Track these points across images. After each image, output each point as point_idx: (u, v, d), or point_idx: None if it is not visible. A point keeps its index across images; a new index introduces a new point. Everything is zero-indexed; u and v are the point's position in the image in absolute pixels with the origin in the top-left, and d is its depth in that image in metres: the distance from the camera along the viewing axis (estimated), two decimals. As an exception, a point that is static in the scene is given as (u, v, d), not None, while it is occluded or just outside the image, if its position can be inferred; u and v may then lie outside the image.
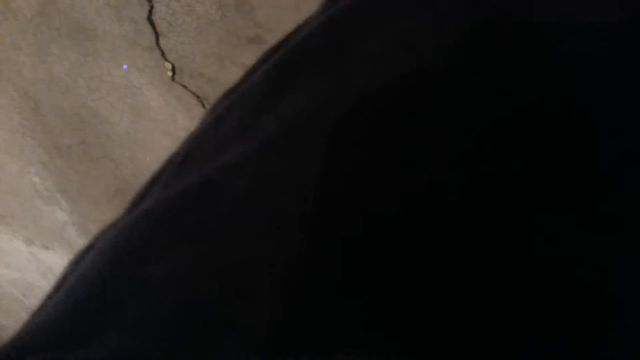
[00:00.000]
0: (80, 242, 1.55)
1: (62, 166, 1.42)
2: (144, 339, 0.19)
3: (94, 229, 1.50)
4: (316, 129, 0.23)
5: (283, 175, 0.22)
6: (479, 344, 0.17)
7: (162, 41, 1.08)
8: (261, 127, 0.25)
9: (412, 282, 0.18)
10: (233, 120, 0.27)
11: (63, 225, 1.55)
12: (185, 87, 1.11)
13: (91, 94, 1.23)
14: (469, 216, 0.19)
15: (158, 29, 1.07)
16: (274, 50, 0.29)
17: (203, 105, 1.13)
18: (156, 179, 0.28)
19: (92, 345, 0.20)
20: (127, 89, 1.18)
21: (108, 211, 1.44)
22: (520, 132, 0.20)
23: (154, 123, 1.21)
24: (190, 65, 1.08)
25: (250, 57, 1.01)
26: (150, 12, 1.06)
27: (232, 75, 1.04)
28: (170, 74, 1.10)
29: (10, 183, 1.54)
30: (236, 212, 0.22)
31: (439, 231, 0.19)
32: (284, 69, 0.27)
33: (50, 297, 0.24)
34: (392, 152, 0.21)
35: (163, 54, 1.09)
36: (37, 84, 1.29)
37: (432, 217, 0.19)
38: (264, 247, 0.20)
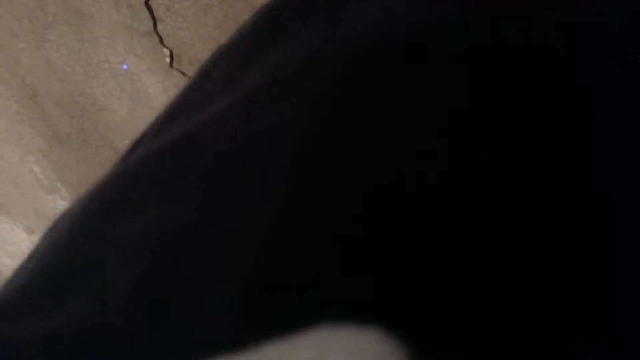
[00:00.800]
0: (81, 230, 1.55)
1: (62, 154, 1.41)
2: (108, 303, 0.18)
3: (94, 218, 1.50)
4: (309, 77, 0.21)
5: (272, 125, 0.20)
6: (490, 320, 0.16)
7: (160, 27, 1.07)
8: (248, 78, 0.23)
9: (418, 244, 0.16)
10: (219, 74, 0.25)
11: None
12: (183, 73, 1.10)
13: (89, 81, 1.22)
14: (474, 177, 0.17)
15: (156, 14, 1.06)
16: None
17: (202, 91, 1.12)
18: (139, 142, 0.26)
19: (56, 313, 0.18)
20: (125, 76, 1.17)
21: (109, 199, 1.44)
22: (519, 92, 0.19)
23: (153, 110, 1.20)
24: (188, 51, 1.06)
25: (249, 42, 1.00)
26: (147, -3, 1.05)
27: (231, 60, 1.02)
28: (168, 60, 1.09)
29: (10, 172, 1.54)
30: (218, 165, 0.20)
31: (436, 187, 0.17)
32: (275, 18, 0.25)
33: (22, 266, 0.23)
34: (390, 106, 0.19)
35: (161, 39, 1.08)
36: (35, 71, 1.28)
37: (425, 175, 0.17)
38: (247, 202, 0.18)
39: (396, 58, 0.20)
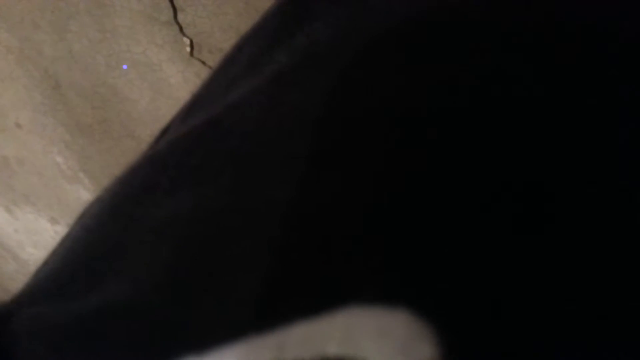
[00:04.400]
0: (104, 220, 1.57)
1: (85, 145, 1.43)
2: (142, 285, 0.18)
3: (117, 208, 1.51)
4: (336, 59, 0.20)
5: (299, 107, 0.20)
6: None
7: (180, 16, 1.07)
8: (274, 61, 0.23)
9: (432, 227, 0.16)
10: (244, 58, 0.25)
11: (86, 204, 1.57)
12: (204, 62, 1.10)
13: (111, 71, 1.23)
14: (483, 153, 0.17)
15: (176, 3, 1.06)
16: None
17: (223, 81, 1.12)
18: (167, 129, 0.26)
19: (90, 294, 0.19)
20: (147, 66, 1.18)
21: (131, 189, 1.45)
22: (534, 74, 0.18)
23: (174, 100, 1.20)
24: (208, 40, 1.06)
25: (270, 30, 0.99)
26: (167, -14, 1.05)
27: (252, 49, 1.02)
28: (188, 49, 1.09)
29: (34, 163, 1.56)
30: (245, 148, 0.20)
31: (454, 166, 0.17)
32: (300, 1, 0.25)
33: (54, 251, 0.24)
34: (415, 89, 0.18)
35: (181, 29, 1.08)
36: (57, 62, 1.29)
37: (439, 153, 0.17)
38: (275, 184, 0.18)
39: (422, 40, 0.20)
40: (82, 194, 1.56)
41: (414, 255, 0.16)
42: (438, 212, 0.16)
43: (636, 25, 0.19)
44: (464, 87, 0.18)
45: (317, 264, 0.16)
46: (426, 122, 0.18)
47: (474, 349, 0.14)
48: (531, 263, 0.15)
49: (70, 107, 1.37)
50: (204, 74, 1.13)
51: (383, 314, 0.15)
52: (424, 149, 0.17)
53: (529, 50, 0.18)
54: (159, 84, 1.20)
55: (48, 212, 1.67)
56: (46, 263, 0.23)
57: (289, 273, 0.16)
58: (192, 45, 1.09)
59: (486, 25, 0.19)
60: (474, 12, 0.20)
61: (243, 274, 0.17)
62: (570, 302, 0.15)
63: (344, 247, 0.16)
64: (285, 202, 0.18)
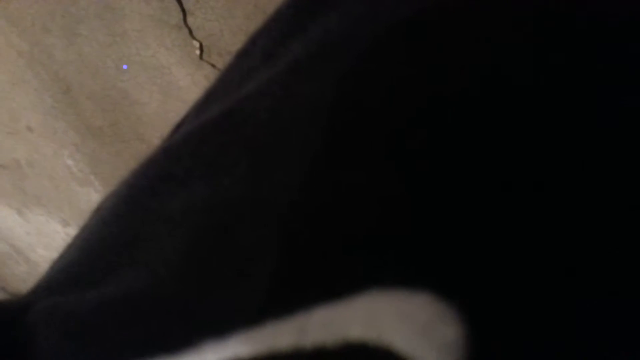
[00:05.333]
0: (114, 222, 1.57)
1: (95, 148, 1.43)
2: (158, 273, 0.18)
3: (127, 210, 1.51)
4: (351, 49, 0.20)
5: (313, 97, 0.20)
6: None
7: (190, 19, 1.07)
8: (288, 52, 0.22)
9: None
10: (258, 51, 0.25)
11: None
12: (213, 65, 1.11)
13: (120, 74, 1.24)
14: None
15: (185, 6, 1.06)
16: None
17: (232, 83, 1.12)
18: (181, 123, 0.26)
19: (106, 284, 0.19)
20: (156, 69, 1.18)
21: (141, 192, 1.45)
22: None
23: (183, 103, 1.20)
24: (218, 43, 1.07)
25: (278, 32, 0.99)
26: (176, -10, 1.05)
27: (260, 52, 1.02)
28: (198, 52, 1.10)
29: (45, 166, 1.56)
30: (260, 138, 0.20)
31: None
32: None
33: (70, 244, 0.24)
34: (433, 79, 0.18)
35: (191, 32, 1.08)
36: (67, 65, 1.30)
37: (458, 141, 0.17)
38: (290, 173, 0.18)
39: (440, 30, 0.19)
40: (93, 197, 1.56)
41: (434, 238, 0.16)
42: (456, 197, 0.16)
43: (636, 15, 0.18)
44: (477, 77, 0.18)
45: (336, 250, 0.16)
46: (438, 111, 0.17)
47: (496, 329, 0.14)
48: (551, 243, 0.15)
49: (80, 110, 1.37)
50: (214, 76, 1.12)
51: (404, 298, 0.15)
52: (439, 136, 0.17)
53: (535, 40, 0.18)
54: (169, 87, 1.20)
55: (59, 215, 1.68)
56: (62, 256, 0.23)
57: (308, 259, 0.16)
58: (201, 48, 1.09)
59: (497, 15, 0.19)
60: (486, 2, 0.20)
61: (260, 260, 0.17)
62: (591, 283, 0.15)
63: (364, 233, 0.16)
64: (302, 189, 0.18)
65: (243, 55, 0.26)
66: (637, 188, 0.15)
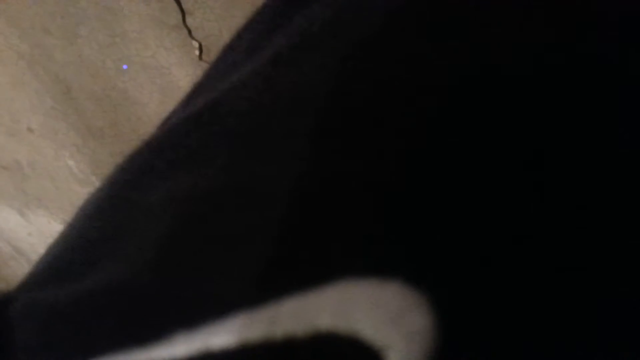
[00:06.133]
0: (116, 223, 1.57)
1: (96, 148, 1.43)
2: (135, 266, 0.18)
3: (128, 210, 1.51)
4: (333, 38, 0.20)
5: (295, 86, 0.20)
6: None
7: (189, 19, 1.07)
8: (272, 44, 0.23)
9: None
10: (243, 44, 0.25)
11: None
12: (213, 65, 1.10)
13: (120, 75, 1.24)
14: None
15: (184, 7, 1.06)
16: None
17: (232, 83, 1.12)
18: (169, 118, 0.27)
19: (87, 278, 0.19)
20: (156, 70, 1.18)
21: (142, 192, 1.45)
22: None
23: (184, 103, 1.20)
24: (217, 44, 1.07)
25: (277, 32, 0.99)
26: (175, -10, 1.05)
27: (260, 51, 1.02)
28: (197, 52, 1.09)
29: (46, 167, 1.56)
30: (242, 127, 0.20)
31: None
32: None
33: (54, 240, 0.24)
34: (415, 68, 0.18)
35: (190, 32, 1.08)
36: (68, 67, 1.29)
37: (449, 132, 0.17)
38: (271, 164, 0.18)
39: (423, 20, 0.20)
40: (93, 197, 1.56)
41: (406, 228, 0.16)
42: (429, 189, 0.16)
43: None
44: (459, 67, 0.18)
45: (309, 239, 0.16)
46: (414, 100, 0.18)
47: (466, 320, 0.14)
48: (520, 236, 0.15)
49: (81, 111, 1.37)
50: (213, 76, 1.12)
51: (375, 286, 0.15)
52: (418, 125, 0.17)
53: (543, 33, 0.18)
54: (169, 87, 1.20)
55: (61, 215, 1.68)
56: (47, 251, 0.23)
57: (282, 249, 0.16)
58: (200, 49, 1.09)
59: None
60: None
61: (236, 251, 0.17)
62: (564, 288, 0.15)
63: (338, 222, 0.16)
64: (280, 179, 0.18)
65: (229, 49, 0.26)
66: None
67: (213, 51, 1.09)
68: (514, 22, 0.18)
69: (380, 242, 0.16)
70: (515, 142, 0.16)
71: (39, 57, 1.32)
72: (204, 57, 1.10)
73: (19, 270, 1.96)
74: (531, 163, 0.16)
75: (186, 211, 0.19)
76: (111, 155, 1.43)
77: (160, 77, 1.19)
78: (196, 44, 1.09)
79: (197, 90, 0.26)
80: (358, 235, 0.16)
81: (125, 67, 1.17)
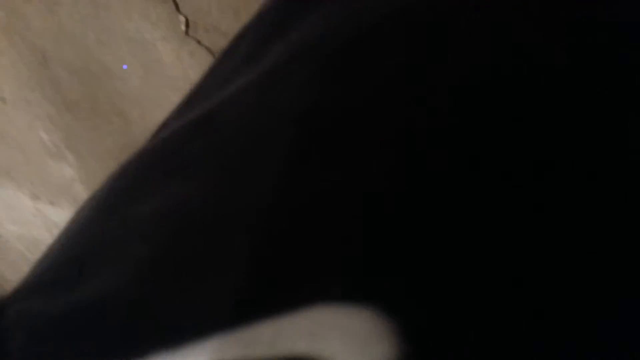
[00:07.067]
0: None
1: (71, 122, 1.41)
2: (124, 278, 0.19)
3: (101, 188, 1.50)
4: (320, 52, 0.21)
5: (280, 101, 0.20)
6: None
7: (176, -7, 1.05)
8: (268, 55, 0.23)
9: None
10: (240, 53, 0.26)
11: (71, 182, 1.56)
12: (199, 42, 1.09)
13: (101, 48, 1.21)
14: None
15: (172, -21, 1.04)
16: None
17: (217, 62, 1.11)
18: (164, 124, 0.27)
19: (81, 288, 0.20)
20: (140, 44, 1.16)
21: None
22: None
23: (166, 79, 1.19)
24: (205, 19, 1.05)
25: (268, 12, 0.98)
26: (164, -38, 1.03)
27: (248, 31, 1.01)
28: (183, 28, 1.08)
29: (17, 138, 1.54)
30: (231, 143, 0.20)
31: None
32: None
33: (49, 248, 0.24)
34: (405, 82, 0.19)
35: (177, 6, 1.06)
36: (45, 36, 1.27)
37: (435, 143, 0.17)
38: (252, 182, 0.19)
39: (415, 32, 0.20)
40: (66, 172, 1.54)
41: (380, 254, 0.16)
42: (407, 214, 0.16)
43: None
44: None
45: (286, 263, 0.17)
46: (400, 116, 0.18)
47: (433, 349, 0.14)
48: (492, 264, 0.15)
49: (57, 82, 1.35)
50: (199, 53, 1.11)
51: (349, 312, 0.15)
52: (399, 144, 0.17)
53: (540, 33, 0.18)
54: (152, 63, 1.18)
55: (29, 188, 1.65)
56: (41, 259, 0.24)
57: (259, 272, 0.17)
58: (187, 24, 1.07)
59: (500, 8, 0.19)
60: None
61: (214, 271, 0.17)
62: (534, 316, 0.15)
63: (314, 246, 0.16)
64: (262, 202, 0.18)
65: (227, 55, 0.27)
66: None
67: (200, 26, 1.07)
68: (504, 24, 0.19)
69: (357, 268, 0.16)
70: (503, 158, 0.16)
71: (15, 24, 1.28)
72: (190, 32, 1.08)
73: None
74: (523, 180, 0.16)
75: (172, 228, 0.19)
76: (86, 130, 1.40)
77: (144, 52, 1.17)
78: (183, 19, 1.07)
79: (195, 95, 0.27)
80: (335, 260, 0.16)
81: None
